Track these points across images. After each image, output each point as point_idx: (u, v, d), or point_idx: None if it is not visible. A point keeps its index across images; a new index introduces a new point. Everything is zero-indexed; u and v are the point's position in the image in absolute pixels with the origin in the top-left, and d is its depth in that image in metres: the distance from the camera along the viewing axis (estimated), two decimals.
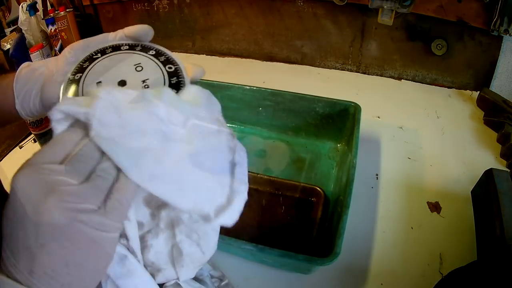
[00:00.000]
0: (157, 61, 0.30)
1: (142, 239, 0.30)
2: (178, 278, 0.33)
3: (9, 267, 0.22)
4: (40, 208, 0.21)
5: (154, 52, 0.31)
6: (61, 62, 0.32)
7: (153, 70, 0.30)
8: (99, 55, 0.31)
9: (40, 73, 0.33)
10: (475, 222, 0.56)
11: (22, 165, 0.22)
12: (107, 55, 0.31)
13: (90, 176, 0.23)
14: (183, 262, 0.32)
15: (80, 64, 0.30)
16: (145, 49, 0.32)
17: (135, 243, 0.29)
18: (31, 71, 0.33)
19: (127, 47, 0.32)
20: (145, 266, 0.31)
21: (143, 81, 0.29)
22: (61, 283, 0.22)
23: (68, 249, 0.22)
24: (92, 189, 0.22)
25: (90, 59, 0.31)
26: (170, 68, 0.30)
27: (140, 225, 0.30)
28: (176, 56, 0.31)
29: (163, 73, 0.29)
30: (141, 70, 0.30)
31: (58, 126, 0.25)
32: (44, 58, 1.02)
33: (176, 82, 0.29)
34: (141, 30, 0.32)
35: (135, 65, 0.30)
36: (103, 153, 0.24)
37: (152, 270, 0.32)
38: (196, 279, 0.45)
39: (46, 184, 0.21)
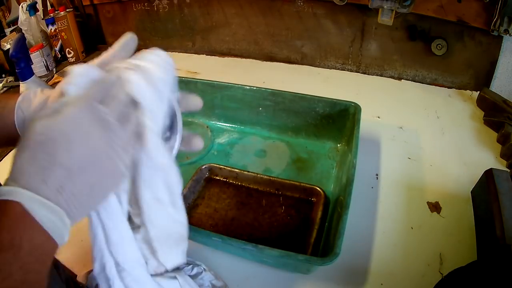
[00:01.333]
0: None
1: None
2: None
3: (33, 183, 0.23)
4: (90, 134, 0.26)
5: None
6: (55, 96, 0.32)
7: None
8: None
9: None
10: (475, 222, 0.56)
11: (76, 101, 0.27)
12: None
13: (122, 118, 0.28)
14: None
15: None
16: None
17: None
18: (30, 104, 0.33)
19: None
20: None
21: None
22: (80, 202, 0.25)
23: (99, 173, 0.26)
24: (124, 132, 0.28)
25: None
26: None
27: None
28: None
29: None
30: None
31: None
32: (44, 58, 1.03)
33: None
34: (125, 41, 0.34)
35: None
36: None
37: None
38: None
39: (95, 116, 0.26)
